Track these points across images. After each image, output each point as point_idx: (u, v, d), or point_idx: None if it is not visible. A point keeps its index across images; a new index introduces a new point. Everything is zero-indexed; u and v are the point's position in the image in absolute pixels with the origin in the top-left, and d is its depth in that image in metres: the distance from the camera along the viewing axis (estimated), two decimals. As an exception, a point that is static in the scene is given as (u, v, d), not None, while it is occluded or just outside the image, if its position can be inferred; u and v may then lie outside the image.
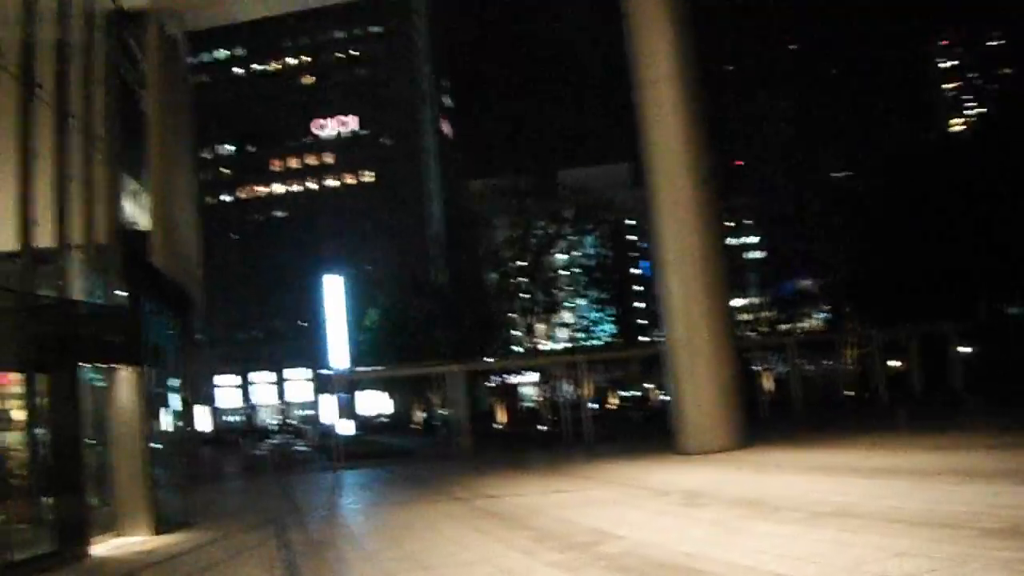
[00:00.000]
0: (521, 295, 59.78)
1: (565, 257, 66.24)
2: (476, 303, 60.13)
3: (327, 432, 45.66)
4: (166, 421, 19.59)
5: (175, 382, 20.10)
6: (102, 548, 13.10)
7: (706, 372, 21.74)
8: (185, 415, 27.79)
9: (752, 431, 22.46)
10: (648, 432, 32.82)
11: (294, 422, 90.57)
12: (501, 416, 54.99)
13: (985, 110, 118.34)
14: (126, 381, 14.86)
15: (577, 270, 64.73)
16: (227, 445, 57.15)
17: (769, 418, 32.97)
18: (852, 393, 41.11)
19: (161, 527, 14.66)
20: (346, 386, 49.19)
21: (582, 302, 63.83)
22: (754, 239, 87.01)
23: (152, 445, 15.45)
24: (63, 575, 11.12)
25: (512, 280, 60.35)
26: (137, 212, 21.86)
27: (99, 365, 14.79)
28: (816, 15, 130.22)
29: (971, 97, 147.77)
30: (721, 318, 22.64)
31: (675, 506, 12.64)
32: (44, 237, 16.50)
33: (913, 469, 13.90)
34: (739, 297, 66.35)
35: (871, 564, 7.44)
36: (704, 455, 20.58)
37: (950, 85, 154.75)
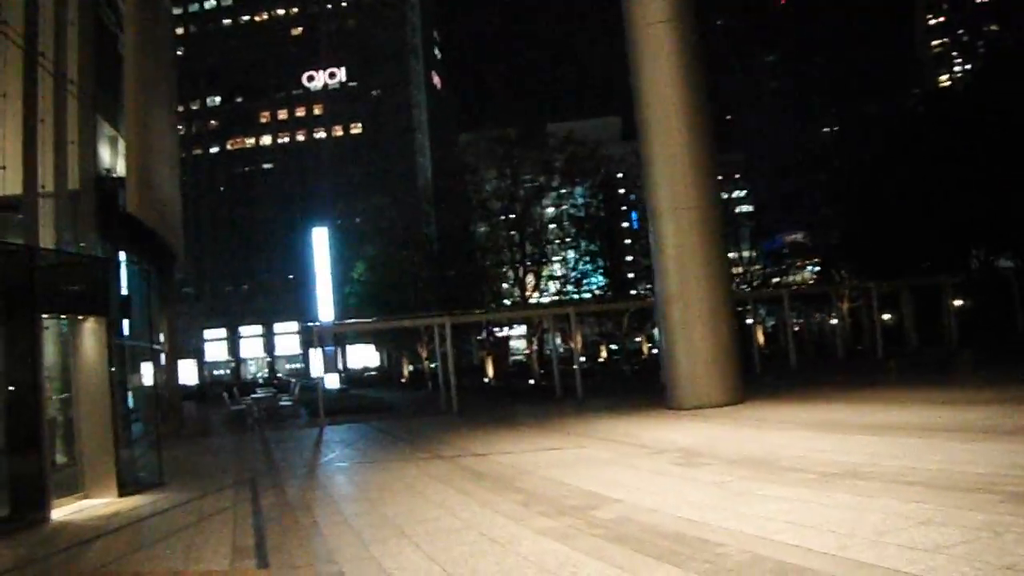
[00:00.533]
0: (510, 247, 59.11)
1: (554, 210, 65.46)
2: (465, 255, 59.47)
3: (309, 386, 45.05)
4: (140, 376, 18.86)
5: (152, 335, 19.36)
6: (65, 511, 12.32)
7: (700, 325, 21.07)
8: (163, 369, 27.06)
9: (746, 386, 21.87)
10: (639, 386, 32.34)
11: (281, 375, 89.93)
12: (490, 370, 54.47)
13: (970, 66, 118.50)
14: (93, 333, 14.00)
15: (566, 223, 63.99)
16: (212, 400, 56.52)
17: (762, 372, 32.45)
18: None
19: (129, 488, 13.85)
20: (332, 339, 48.55)
21: (571, 254, 63.08)
22: (743, 193, 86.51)
23: (122, 401, 14.69)
24: (13, 542, 10.33)
25: (501, 232, 59.64)
26: (113, 159, 20.97)
27: (62, 316, 13.96)
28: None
29: (957, 53, 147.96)
30: (717, 269, 21.94)
31: (672, 466, 11.94)
32: (11, 183, 15.70)
33: (922, 425, 13.23)
34: (731, 251, 65.72)
35: (894, 534, 6.72)
36: (698, 410, 19.99)
37: (937, 41, 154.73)
